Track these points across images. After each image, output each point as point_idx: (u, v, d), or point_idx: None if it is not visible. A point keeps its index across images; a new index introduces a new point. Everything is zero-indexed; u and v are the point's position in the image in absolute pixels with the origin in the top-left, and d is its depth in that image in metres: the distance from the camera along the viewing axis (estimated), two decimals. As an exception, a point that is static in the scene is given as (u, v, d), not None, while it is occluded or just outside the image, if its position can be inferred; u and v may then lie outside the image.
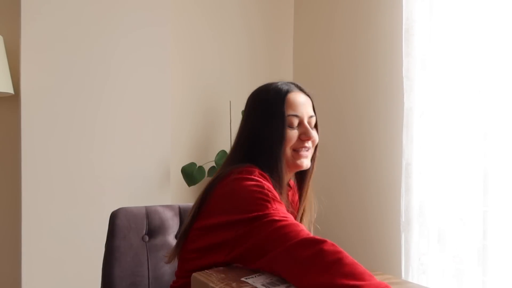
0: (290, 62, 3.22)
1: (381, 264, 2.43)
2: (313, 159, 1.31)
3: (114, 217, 1.56)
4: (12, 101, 2.46)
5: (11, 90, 2.32)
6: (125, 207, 1.56)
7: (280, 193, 1.15)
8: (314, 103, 1.29)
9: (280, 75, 3.17)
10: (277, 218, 1.03)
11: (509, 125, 1.86)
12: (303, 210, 1.34)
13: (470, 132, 1.98)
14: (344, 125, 2.76)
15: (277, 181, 1.17)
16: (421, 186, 2.15)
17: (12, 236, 2.46)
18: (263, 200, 1.07)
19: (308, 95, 1.28)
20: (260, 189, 1.09)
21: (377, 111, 2.54)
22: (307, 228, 1.27)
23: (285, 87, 1.24)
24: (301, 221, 1.32)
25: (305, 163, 1.26)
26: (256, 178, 1.12)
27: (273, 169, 1.18)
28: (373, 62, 2.58)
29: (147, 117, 2.52)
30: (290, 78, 3.20)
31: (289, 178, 1.31)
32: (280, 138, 1.19)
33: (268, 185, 1.12)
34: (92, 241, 2.09)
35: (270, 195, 1.08)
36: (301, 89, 1.28)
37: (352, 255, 1.01)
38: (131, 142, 2.49)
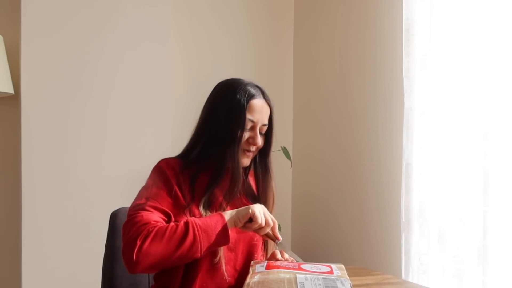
0: (290, 62, 3.22)
1: (381, 264, 2.43)
2: (267, 157, 1.43)
3: (114, 217, 1.56)
4: (12, 101, 2.46)
5: (11, 90, 2.32)
6: (125, 207, 1.56)
7: (219, 182, 1.34)
8: (273, 113, 1.39)
9: (280, 75, 3.18)
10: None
11: (509, 125, 1.86)
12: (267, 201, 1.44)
13: (470, 132, 1.98)
14: (344, 125, 2.76)
15: (226, 170, 1.33)
16: (421, 186, 2.14)
17: (12, 236, 2.46)
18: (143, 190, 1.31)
19: (269, 105, 1.38)
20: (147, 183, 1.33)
21: (377, 111, 2.54)
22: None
23: (252, 91, 1.35)
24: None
25: (245, 162, 1.38)
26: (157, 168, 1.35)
27: (224, 159, 1.33)
28: (373, 62, 2.58)
29: (147, 116, 2.52)
30: (290, 78, 3.20)
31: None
32: (235, 136, 1.32)
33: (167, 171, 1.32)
34: (92, 241, 2.09)
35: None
36: (265, 97, 1.38)
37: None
38: (132, 141, 2.49)
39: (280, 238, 1.28)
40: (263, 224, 1.22)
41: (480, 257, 1.93)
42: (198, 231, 1.18)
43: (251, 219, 1.22)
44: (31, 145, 2.31)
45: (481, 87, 1.93)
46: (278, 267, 1.18)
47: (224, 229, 1.21)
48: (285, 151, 2.78)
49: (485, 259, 1.91)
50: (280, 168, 3.10)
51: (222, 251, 1.29)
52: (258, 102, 1.35)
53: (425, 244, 2.13)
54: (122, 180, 2.44)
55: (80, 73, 2.40)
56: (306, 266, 1.19)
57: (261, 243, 1.41)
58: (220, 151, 1.33)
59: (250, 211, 1.22)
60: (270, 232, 1.26)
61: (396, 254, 2.31)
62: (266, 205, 1.40)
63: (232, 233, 1.26)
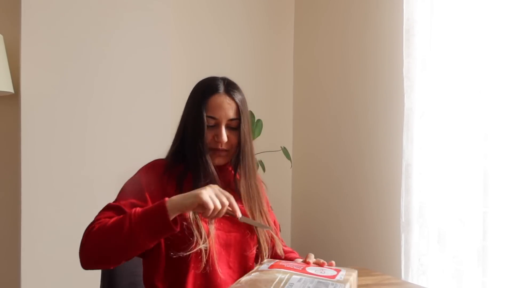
0: (290, 62, 3.22)
1: (381, 265, 2.43)
2: (245, 153, 1.37)
3: (114, 216, 1.56)
4: (12, 100, 2.46)
5: (11, 89, 2.32)
6: (125, 207, 1.55)
7: (199, 180, 1.30)
8: (241, 107, 1.34)
9: (280, 76, 3.18)
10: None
11: (509, 125, 1.86)
12: (250, 200, 1.39)
13: (470, 132, 1.98)
14: (344, 126, 2.76)
15: (199, 169, 1.32)
16: (421, 186, 2.14)
17: (11, 235, 2.46)
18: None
19: (233, 98, 1.33)
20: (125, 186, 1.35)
21: (377, 111, 2.54)
22: (262, 220, 1.38)
23: (212, 88, 1.33)
24: (251, 211, 1.38)
25: (217, 161, 1.35)
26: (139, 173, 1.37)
27: (193, 158, 1.33)
28: (374, 63, 2.58)
29: (148, 116, 2.52)
30: (290, 78, 3.20)
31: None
32: (198, 134, 1.32)
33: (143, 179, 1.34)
34: (91, 241, 2.09)
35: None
36: (228, 92, 1.34)
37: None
38: (132, 141, 2.49)
39: (240, 214, 1.16)
40: (218, 207, 1.11)
41: (480, 258, 1.93)
42: (132, 222, 1.14)
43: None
44: (31, 144, 2.31)
45: (482, 87, 1.93)
46: (282, 266, 1.15)
47: (163, 217, 1.11)
48: (285, 151, 2.78)
49: (485, 260, 1.91)
50: (280, 168, 3.11)
51: (214, 250, 1.27)
52: (217, 98, 1.32)
53: (425, 245, 2.13)
54: (122, 181, 2.43)
55: (80, 73, 2.40)
56: (311, 268, 1.16)
57: (254, 242, 1.38)
58: (190, 150, 1.35)
59: (198, 198, 1.10)
60: (230, 209, 1.15)
61: (395, 254, 2.31)
62: (254, 204, 1.38)
63: (222, 232, 1.27)
